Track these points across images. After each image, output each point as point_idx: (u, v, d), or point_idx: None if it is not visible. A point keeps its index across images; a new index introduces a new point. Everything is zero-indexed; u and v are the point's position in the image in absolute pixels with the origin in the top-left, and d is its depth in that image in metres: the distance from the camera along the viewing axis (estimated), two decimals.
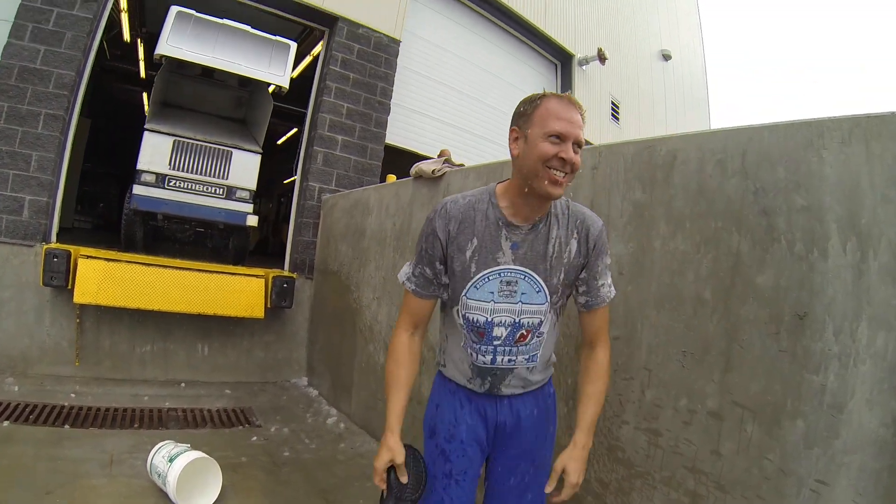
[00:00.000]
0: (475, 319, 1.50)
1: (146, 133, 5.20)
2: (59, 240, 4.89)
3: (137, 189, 5.10)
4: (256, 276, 5.21)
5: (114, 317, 4.85)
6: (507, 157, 1.64)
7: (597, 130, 10.22)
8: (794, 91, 76.94)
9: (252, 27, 5.52)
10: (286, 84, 5.51)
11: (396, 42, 6.87)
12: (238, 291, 5.03)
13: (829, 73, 74.80)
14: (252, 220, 5.58)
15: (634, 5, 12.30)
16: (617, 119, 11.01)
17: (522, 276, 1.46)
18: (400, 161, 6.47)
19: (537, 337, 1.53)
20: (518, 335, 1.50)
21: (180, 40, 5.03)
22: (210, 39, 5.18)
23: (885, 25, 65.42)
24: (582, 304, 1.56)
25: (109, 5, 5.31)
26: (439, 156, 6.33)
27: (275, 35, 5.62)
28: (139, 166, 5.14)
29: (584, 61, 9.92)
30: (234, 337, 5.46)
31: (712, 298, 1.83)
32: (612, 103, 10.91)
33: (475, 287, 1.48)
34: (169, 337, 5.13)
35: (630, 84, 11.66)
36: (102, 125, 10.81)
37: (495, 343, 1.50)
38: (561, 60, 10.00)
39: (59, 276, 4.31)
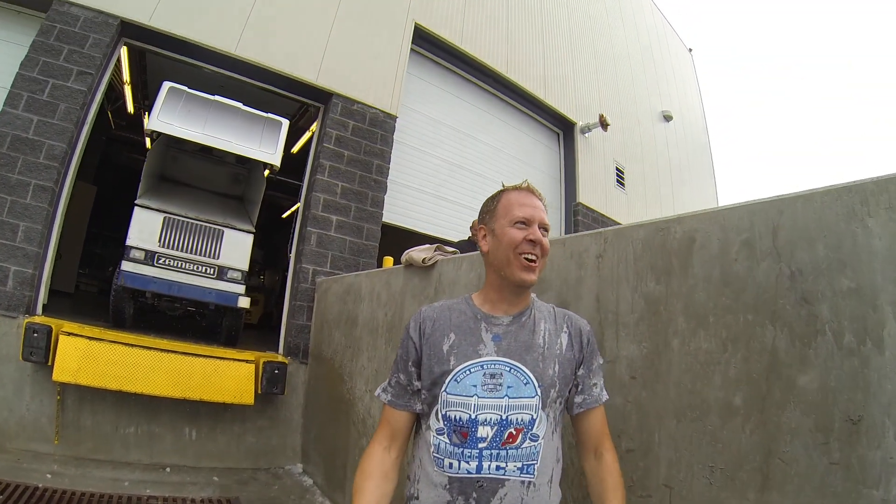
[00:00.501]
0: (457, 417, 1.37)
1: (136, 208, 5.19)
2: (52, 306, 4.83)
3: (126, 265, 5.03)
4: (246, 360, 5.00)
5: (97, 395, 4.66)
6: None
7: (603, 198, 10.19)
8: (781, 87, 78.40)
9: (247, 104, 5.58)
10: (277, 162, 5.52)
11: (392, 117, 6.88)
12: (226, 377, 4.81)
13: (816, 69, 76.32)
14: (244, 302, 5.46)
15: (634, 69, 12.61)
16: (622, 185, 11.01)
17: (508, 369, 1.38)
18: (399, 239, 6.32)
19: (530, 440, 1.36)
20: (506, 434, 1.35)
21: (171, 116, 5.10)
22: (201, 115, 5.24)
23: (873, 21, 67.30)
24: (578, 403, 1.50)
25: (105, 79, 5.42)
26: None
27: (267, 112, 5.67)
28: (128, 242, 5.08)
29: (587, 128, 10.01)
30: (224, 421, 5.22)
31: (744, 405, 1.57)
32: (617, 169, 10.95)
33: (455, 381, 1.38)
34: (155, 419, 4.92)
35: (634, 148, 11.76)
36: (109, 192, 11.02)
37: (480, 446, 1.34)
38: (563, 129, 10.10)
39: (39, 352, 4.19)
